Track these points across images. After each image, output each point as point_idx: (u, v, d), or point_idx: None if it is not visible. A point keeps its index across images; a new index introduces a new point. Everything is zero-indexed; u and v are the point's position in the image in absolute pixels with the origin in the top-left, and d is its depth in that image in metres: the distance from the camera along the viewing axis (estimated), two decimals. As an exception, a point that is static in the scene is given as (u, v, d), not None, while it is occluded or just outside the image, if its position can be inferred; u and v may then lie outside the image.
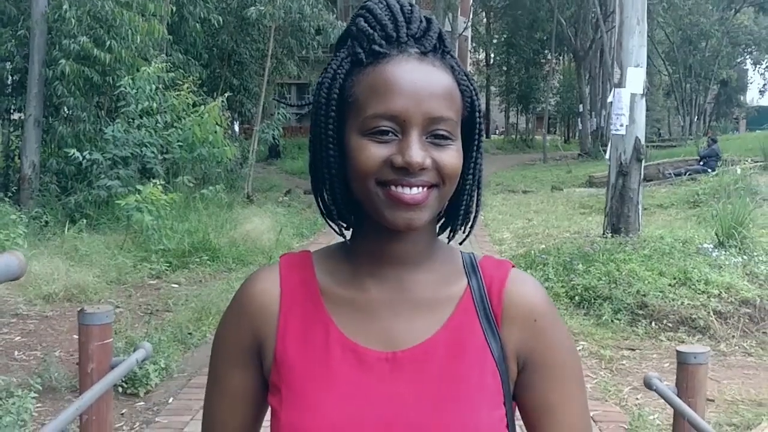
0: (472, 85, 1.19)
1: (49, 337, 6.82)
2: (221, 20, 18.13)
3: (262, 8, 17.39)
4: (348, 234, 1.25)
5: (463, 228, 1.24)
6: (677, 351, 3.66)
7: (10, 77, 15.42)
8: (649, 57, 44.76)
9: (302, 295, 1.22)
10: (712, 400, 5.50)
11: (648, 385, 3.74)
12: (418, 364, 1.16)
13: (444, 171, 1.11)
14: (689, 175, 20.41)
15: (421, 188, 1.10)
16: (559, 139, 56.49)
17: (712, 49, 49.00)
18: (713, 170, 19.32)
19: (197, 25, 17.41)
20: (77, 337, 6.37)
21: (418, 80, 1.10)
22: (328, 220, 1.24)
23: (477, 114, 1.19)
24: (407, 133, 1.09)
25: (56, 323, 7.21)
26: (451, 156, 1.12)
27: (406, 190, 1.09)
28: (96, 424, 3.59)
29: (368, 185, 1.11)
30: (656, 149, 31.15)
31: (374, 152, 1.10)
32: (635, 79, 10.58)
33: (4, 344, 6.57)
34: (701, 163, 21.71)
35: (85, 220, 11.42)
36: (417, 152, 1.08)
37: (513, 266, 1.26)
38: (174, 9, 15.51)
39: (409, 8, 1.18)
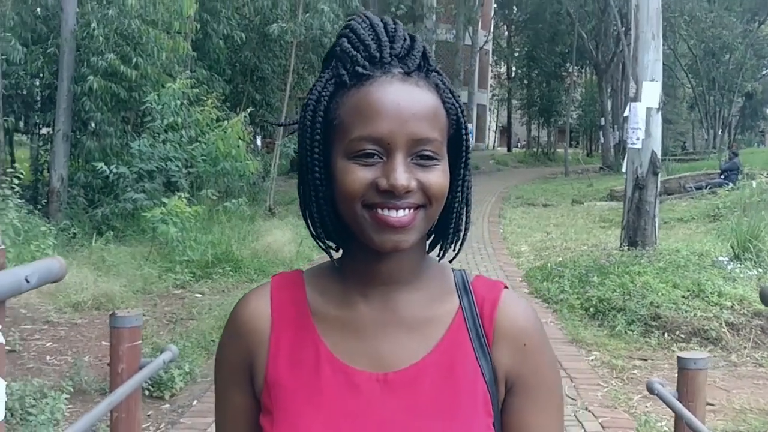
0: (457, 102, 1.18)
1: (78, 343, 7.08)
2: (244, 37, 18.42)
3: (284, 25, 17.71)
4: (336, 254, 1.25)
5: (453, 246, 1.24)
6: (678, 357, 3.82)
7: (39, 93, 15.83)
8: (671, 69, 44.57)
9: (293, 315, 1.22)
10: (713, 405, 5.64)
11: (650, 389, 3.91)
12: (410, 386, 1.16)
13: (430, 192, 1.11)
14: (710, 188, 20.43)
15: (407, 210, 1.10)
16: (580, 153, 56.43)
17: (735, 61, 48.73)
18: (734, 183, 19.34)
19: (221, 41, 17.69)
20: (106, 342, 6.65)
21: (401, 102, 1.10)
22: (317, 241, 1.23)
23: (463, 131, 1.19)
24: (392, 156, 1.09)
25: (85, 330, 7.47)
26: (437, 176, 1.12)
27: (392, 213, 1.09)
28: (126, 421, 3.81)
29: (355, 208, 1.11)
30: (678, 162, 31.07)
31: (359, 175, 1.09)
32: (651, 93, 10.73)
33: (36, 350, 6.83)
34: (722, 176, 21.73)
35: (111, 232, 11.73)
36: (401, 175, 1.08)
37: (505, 287, 1.26)
38: (198, 26, 15.83)
39: (393, 27, 1.17)
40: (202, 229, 11.41)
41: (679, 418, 3.75)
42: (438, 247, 1.25)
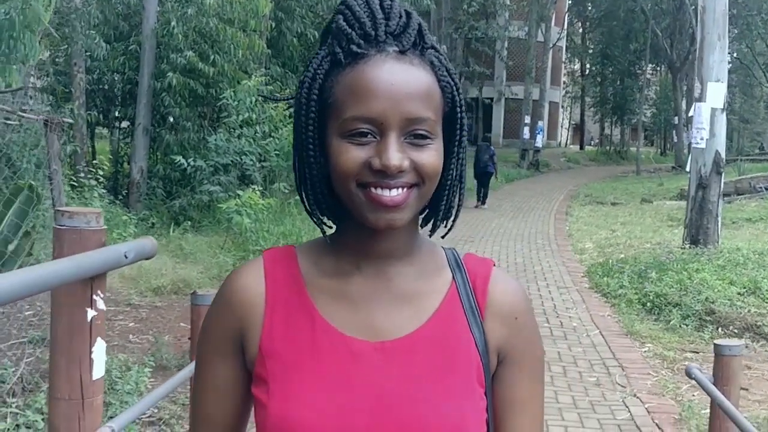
0: (453, 80, 1.18)
1: (159, 323, 7.58)
2: (317, 35, 18.80)
3: (357, 23, 18.07)
4: (329, 230, 1.26)
5: (444, 223, 1.25)
6: (714, 344, 4.07)
7: (120, 89, 16.53)
8: (749, 68, 43.67)
9: (286, 287, 1.22)
10: (746, 389, 5.85)
11: (688, 374, 4.17)
12: (406, 355, 1.17)
13: (423, 170, 1.12)
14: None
15: (400, 189, 1.11)
16: (652, 152, 55.73)
17: (815, 60, 47.68)
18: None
19: (294, 39, 18.06)
20: (184, 324, 7.14)
21: (395, 81, 1.10)
22: (312, 217, 1.24)
23: (458, 109, 1.19)
24: (385, 136, 1.10)
25: (165, 312, 7.98)
26: (431, 156, 1.12)
27: (386, 192, 1.10)
28: (203, 389, 4.23)
29: (349, 187, 1.12)
30: (752, 162, 30.67)
31: (353, 155, 1.10)
32: (716, 93, 10.83)
33: (120, 329, 7.34)
34: (794, 177, 21.52)
35: (189, 222, 12.31)
36: (394, 155, 1.09)
37: (494, 264, 1.29)
38: (273, 25, 16.28)
39: (389, 3, 1.16)
40: (274, 220, 11.84)
41: (714, 402, 3.98)
42: (430, 223, 1.26)
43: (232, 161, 13.30)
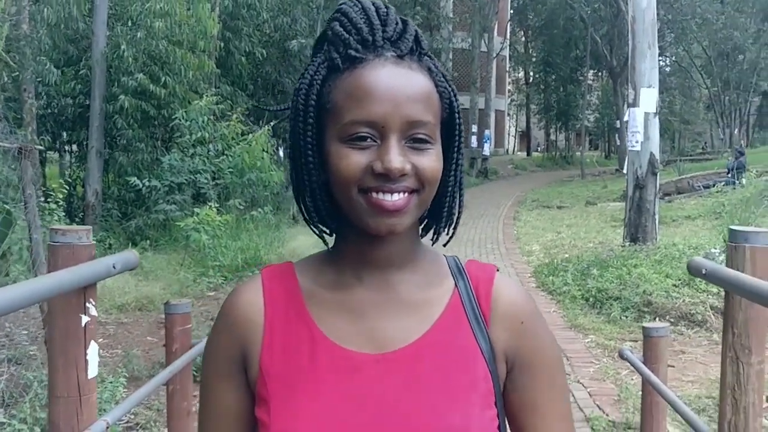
0: (450, 86, 1.18)
1: (127, 338, 7.85)
2: (265, 53, 19.21)
3: (303, 41, 18.59)
4: (330, 240, 1.24)
5: (446, 229, 1.24)
6: (643, 327, 4.52)
7: (71, 112, 16.68)
8: (687, 71, 44.75)
9: (286, 303, 1.21)
10: (673, 366, 6.36)
11: (621, 355, 4.62)
12: (409, 365, 1.15)
13: (424, 175, 1.10)
14: (715, 184, 21.09)
15: (402, 194, 1.09)
16: (594, 155, 56.84)
17: (749, 62, 49.21)
18: (739, 182, 20.08)
19: (243, 58, 18.45)
20: (151, 338, 7.44)
21: (395, 85, 1.09)
22: (311, 226, 1.23)
23: (456, 115, 1.18)
24: (386, 139, 1.08)
25: (131, 328, 8.26)
26: (431, 160, 1.11)
27: (387, 197, 1.09)
28: (180, 392, 4.55)
29: (350, 193, 1.10)
30: (691, 162, 31.69)
31: (354, 160, 1.08)
32: (648, 98, 11.40)
33: (90, 345, 7.61)
34: (729, 175, 22.40)
35: (147, 241, 12.55)
36: (396, 158, 1.07)
37: (497, 270, 1.27)
38: (221, 45, 16.64)
39: (385, 10, 1.16)
40: (231, 236, 12.10)
41: (644, 378, 4.43)
42: (432, 230, 1.25)
43: (186, 180, 13.57)
